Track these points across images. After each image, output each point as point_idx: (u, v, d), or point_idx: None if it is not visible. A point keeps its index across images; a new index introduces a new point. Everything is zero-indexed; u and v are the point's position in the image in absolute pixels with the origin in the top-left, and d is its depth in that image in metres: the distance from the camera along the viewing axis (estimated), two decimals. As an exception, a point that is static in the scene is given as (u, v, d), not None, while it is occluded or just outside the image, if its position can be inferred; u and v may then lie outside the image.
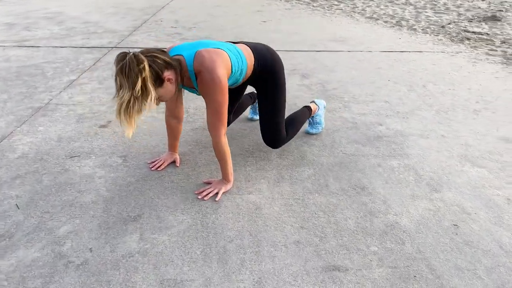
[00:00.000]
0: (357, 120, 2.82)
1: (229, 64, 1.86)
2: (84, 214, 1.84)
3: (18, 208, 1.87)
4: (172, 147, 2.25)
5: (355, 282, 1.52)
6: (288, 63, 3.81)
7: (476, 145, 2.52)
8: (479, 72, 3.84)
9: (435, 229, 1.80)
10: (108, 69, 3.70)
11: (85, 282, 1.49)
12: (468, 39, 5.02)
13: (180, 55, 1.83)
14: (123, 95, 1.58)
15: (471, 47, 4.70)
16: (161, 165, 2.20)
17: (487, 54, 4.44)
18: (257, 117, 2.74)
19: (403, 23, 5.84)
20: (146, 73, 1.60)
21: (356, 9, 6.86)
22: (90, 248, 1.65)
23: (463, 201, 1.99)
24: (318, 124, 2.59)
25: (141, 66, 1.58)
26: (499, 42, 4.90)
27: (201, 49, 1.81)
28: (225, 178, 2.02)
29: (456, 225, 1.83)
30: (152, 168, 2.18)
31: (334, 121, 2.78)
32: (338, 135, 2.60)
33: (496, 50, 4.57)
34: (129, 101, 1.58)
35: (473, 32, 5.35)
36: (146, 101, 1.63)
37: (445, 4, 7.17)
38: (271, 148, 2.40)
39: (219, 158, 1.97)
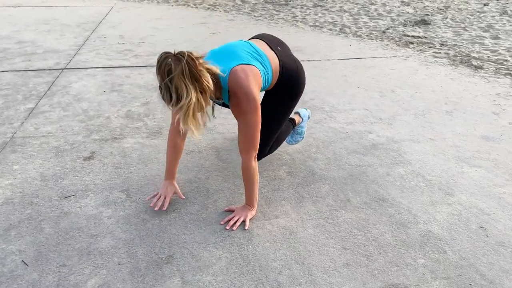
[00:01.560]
0: (347, 129, 2.85)
1: (260, 81, 1.78)
2: (107, 262, 1.65)
3: (27, 265, 1.62)
4: (171, 173, 2.01)
5: (419, 298, 1.51)
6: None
7: (464, 146, 2.66)
8: (434, 75, 4.08)
9: (466, 233, 1.86)
10: (66, 94, 3.39)
11: None
12: (411, 43, 5.33)
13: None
14: (189, 98, 1.50)
15: (417, 50, 5.00)
16: (163, 203, 1.96)
17: (434, 56, 4.74)
18: (291, 144, 2.56)
19: (347, 30, 6.06)
20: (205, 73, 1.56)
21: (297, 17, 7.01)
22: (132, 302, 1.47)
23: (478, 203, 2.08)
24: (298, 134, 2.49)
25: (199, 65, 1.54)
26: (439, 45, 5.26)
27: (236, 66, 1.71)
28: (249, 204, 1.92)
29: (482, 227, 1.90)
30: (156, 209, 1.94)
31: (326, 133, 2.78)
32: (336, 146, 2.60)
33: (440, 52, 4.90)
34: (197, 100, 1.52)
35: (412, 36, 5.69)
36: (207, 97, 1.59)
37: (376, 10, 7.57)
38: (278, 167, 2.33)
39: (246, 182, 1.87)
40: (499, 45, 5.25)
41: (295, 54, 1.80)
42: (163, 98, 1.57)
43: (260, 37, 2.00)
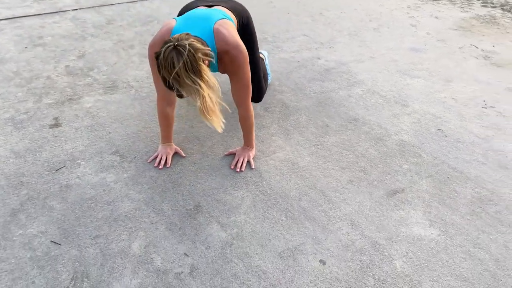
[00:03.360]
0: (297, 58, 3.01)
1: (236, 31, 1.81)
2: (140, 224, 1.70)
3: (59, 244, 1.61)
4: (168, 138, 2.05)
5: (416, 197, 1.84)
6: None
7: (400, 59, 3.01)
8: (349, -7, 4.33)
9: (430, 136, 2.22)
10: (-18, 56, 3.00)
11: (221, 282, 1.46)
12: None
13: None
14: (201, 91, 1.46)
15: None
16: (166, 161, 2.01)
17: (342, -26, 4.95)
18: None
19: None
20: (206, 58, 1.51)
21: None
22: (185, 253, 1.58)
23: (429, 109, 2.45)
24: (268, 74, 2.58)
25: (200, 54, 1.48)
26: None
27: (214, 25, 1.70)
28: (249, 145, 2.04)
29: (440, 129, 2.28)
30: (160, 167, 1.98)
31: (280, 64, 2.92)
32: (295, 76, 2.77)
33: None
34: (208, 94, 1.48)
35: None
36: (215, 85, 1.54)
37: None
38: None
39: (246, 127, 1.97)
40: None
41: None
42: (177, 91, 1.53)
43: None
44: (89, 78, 2.74)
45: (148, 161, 2.02)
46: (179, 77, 1.45)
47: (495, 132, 2.25)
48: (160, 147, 2.06)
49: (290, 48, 3.13)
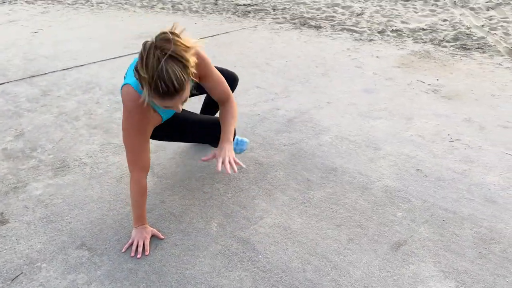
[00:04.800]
0: (257, 111, 2.92)
1: None
2: (130, 333, 1.43)
3: None
4: (142, 218, 1.80)
5: (420, 246, 1.75)
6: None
7: (357, 102, 3.02)
8: (289, 41, 4.41)
9: (412, 178, 2.18)
10: None
11: None
12: (249, 12, 5.56)
13: None
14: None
15: (259, 19, 5.26)
16: (143, 247, 1.76)
17: (276, 23, 5.08)
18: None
19: (180, 6, 5.95)
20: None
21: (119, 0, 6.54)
22: None
23: (401, 149, 2.43)
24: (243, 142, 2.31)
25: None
26: (272, 10, 5.62)
27: None
28: (227, 139, 1.85)
29: (418, 169, 2.25)
30: (138, 256, 1.73)
31: (241, 118, 2.81)
32: (261, 130, 2.67)
33: (278, 18, 5.27)
34: None
35: (244, 4, 5.93)
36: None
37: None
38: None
39: (231, 119, 1.90)
40: (317, 2, 5.88)
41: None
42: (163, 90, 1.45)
43: None
44: (33, 160, 2.43)
45: (123, 250, 1.77)
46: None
47: (470, 165, 2.27)
48: (134, 231, 1.81)
49: (247, 102, 3.05)
